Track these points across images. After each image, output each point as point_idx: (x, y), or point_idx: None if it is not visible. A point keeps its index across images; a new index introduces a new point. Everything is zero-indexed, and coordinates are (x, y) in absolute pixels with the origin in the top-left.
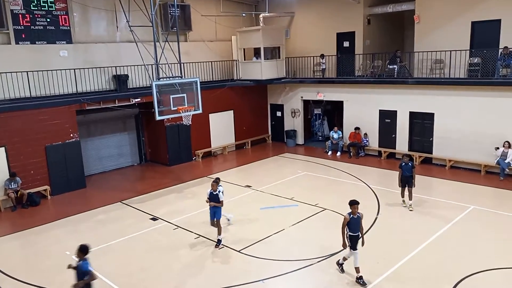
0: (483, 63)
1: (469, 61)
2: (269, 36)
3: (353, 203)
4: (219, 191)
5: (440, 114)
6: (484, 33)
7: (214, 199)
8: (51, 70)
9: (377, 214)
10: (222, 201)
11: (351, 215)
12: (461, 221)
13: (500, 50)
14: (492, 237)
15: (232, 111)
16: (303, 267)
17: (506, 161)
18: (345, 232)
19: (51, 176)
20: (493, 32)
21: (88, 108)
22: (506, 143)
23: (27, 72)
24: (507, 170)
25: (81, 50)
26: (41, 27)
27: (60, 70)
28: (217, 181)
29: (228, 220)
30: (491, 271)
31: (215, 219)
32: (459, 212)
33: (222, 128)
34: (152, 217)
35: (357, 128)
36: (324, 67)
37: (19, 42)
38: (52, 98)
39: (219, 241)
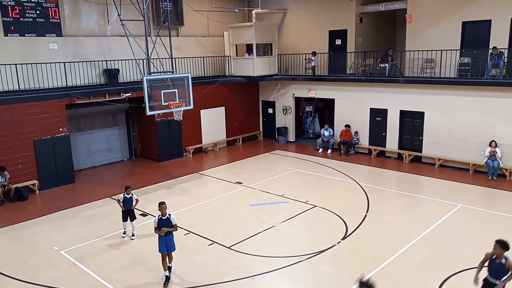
0: (473, 63)
1: (459, 61)
2: (261, 33)
3: (503, 246)
4: (169, 214)
5: (430, 113)
6: (474, 33)
7: (166, 225)
8: (41, 63)
9: (367, 212)
10: (176, 224)
11: (493, 257)
12: (449, 219)
13: (489, 51)
14: (479, 235)
15: (223, 107)
16: (293, 263)
17: (494, 159)
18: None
19: (39, 170)
20: (483, 32)
21: (78, 102)
22: (493, 142)
23: (15, 64)
24: (495, 167)
25: (71, 43)
26: (31, 19)
27: (50, 63)
28: (130, 195)
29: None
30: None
31: (166, 252)
32: (448, 210)
33: (213, 124)
34: (142, 212)
35: (347, 126)
36: (314, 64)
37: (8, 34)
38: (42, 91)
39: (167, 279)
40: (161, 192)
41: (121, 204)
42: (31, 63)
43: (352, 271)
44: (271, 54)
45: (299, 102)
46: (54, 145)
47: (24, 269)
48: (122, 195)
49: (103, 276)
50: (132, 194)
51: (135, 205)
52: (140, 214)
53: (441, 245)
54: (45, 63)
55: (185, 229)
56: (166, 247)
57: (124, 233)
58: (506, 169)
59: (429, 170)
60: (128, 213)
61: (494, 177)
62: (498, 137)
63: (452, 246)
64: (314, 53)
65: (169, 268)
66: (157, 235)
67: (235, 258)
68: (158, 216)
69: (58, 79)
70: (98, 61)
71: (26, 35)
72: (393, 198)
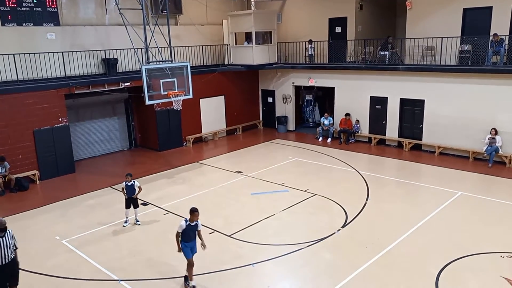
0: (473, 51)
1: (460, 48)
2: (260, 21)
3: None
4: (196, 223)
5: (430, 101)
6: (475, 20)
7: (193, 231)
8: (39, 53)
9: (367, 200)
10: (200, 230)
11: None
12: (449, 206)
13: (490, 38)
14: (479, 222)
15: (223, 96)
16: (293, 251)
17: (495, 145)
18: None
19: (39, 160)
20: (484, 19)
21: (77, 92)
22: (493, 130)
23: (13, 54)
24: (493, 154)
25: (69, 32)
26: (28, 9)
27: (48, 53)
28: (131, 182)
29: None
30: (477, 256)
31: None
32: (447, 198)
33: (213, 113)
34: (143, 202)
35: (347, 114)
36: (311, 52)
37: (5, 24)
38: (40, 81)
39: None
40: (161, 182)
41: (125, 192)
42: (29, 53)
43: (352, 259)
44: (271, 42)
45: (299, 90)
46: (53, 135)
47: (26, 259)
48: (124, 183)
49: (104, 265)
50: (134, 182)
51: (138, 193)
52: (141, 204)
53: (441, 232)
54: (43, 53)
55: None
56: (191, 251)
57: (126, 222)
58: (506, 157)
59: (429, 158)
60: (131, 201)
61: (489, 164)
62: (498, 125)
63: (451, 233)
64: (310, 41)
65: (186, 278)
66: (175, 235)
67: (236, 247)
68: (186, 222)
69: (56, 69)
70: (96, 50)
71: (23, 24)
72: (393, 186)
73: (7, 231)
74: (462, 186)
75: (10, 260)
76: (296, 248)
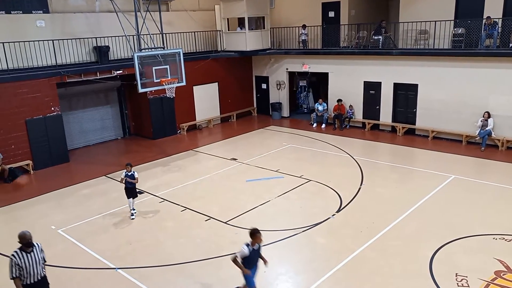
0: (467, 34)
1: (453, 32)
2: (253, 6)
3: None
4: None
5: (423, 85)
6: (468, 3)
7: (258, 256)
8: (28, 41)
9: (361, 184)
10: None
11: None
12: (442, 190)
13: (483, 21)
14: (471, 205)
15: (216, 83)
16: (289, 236)
17: (487, 129)
18: None
19: (32, 150)
20: (477, 2)
21: (68, 81)
22: (486, 113)
23: (3, 43)
24: (486, 137)
25: (59, 20)
26: None
27: (38, 41)
28: (131, 172)
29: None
30: (470, 238)
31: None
32: (441, 181)
33: (206, 100)
34: (138, 190)
35: (339, 100)
36: (304, 38)
37: None
38: (31, 70)
39: None
40: (156, 170)
41: (124, 182)
42: (19, 41)
43: (347, 243)
44: (264, 28)
45: (293, 76)
46: (46, 125)
47: None
48: (124, 172)
49: (101, 254)
50: (134, 172)
51: (135, 182)
52: (136, 192)
53: (434, 215)
54: (33, 41)
55: (181, 206)
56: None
57: (133, 214)
58: (499, 140)
59: (422, 142)
60: (132, 190)
61: (482, 148)
62: (491, 108)
63: (445, 216)
64: (304, 26)
65: None
66: (232, 260)
67: (232, 233)
68: (248, 246)
69: (47, 57)
70: (87, 38)
71: (12, 12)
72: (387, 170)
73: (35, 244)
74: (455, 170)
75: (41, 277)
76: (291, 233)
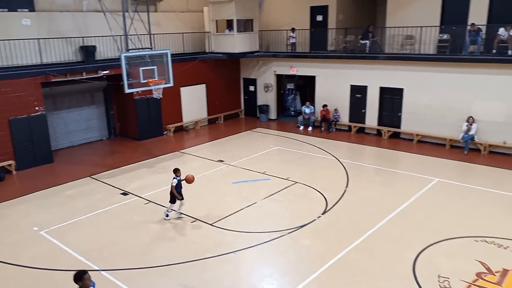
0: (452, 40)
1: (438, 37)
2: (242, 8)
3: None
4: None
5: (409, 89)
6: (454, 10)
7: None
8: (13, 40)
9: (346, 187)
10: None
11: None
12: (426, 193)
13: (468, 27)
14: (454, 208)
15: (204, 84)
16: (274, 238)
17: (470, 133)
18: None
19: (15, 150)
20: (462, 8)
21: (54, 80)
22: (471, 118)
23: None
24: (469, 141)
25: (45, 18)
26: None
27: (23, 39)
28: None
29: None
30: (452, 240)
31: None
32: (424, 184)
33: (194, 102)
34: (123, 191)
35: (325, 105)
36: (293, 41)
37: None
38: (15, 69)
39: None
40: (141, 171)
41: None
42: (4, 40)
43: (332, 244)
44: (252, 30)
45: (281, 79)
46: (30, 125)
47: (4, 250)
48: (175, 179)
49: (84, 255)
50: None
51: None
52: (120, 193)
53: (418, 218)
54: (19, 39)
55: (167, 208)
56: None
57: (180, 216)
58: (481, 144)
59: (407, 146)
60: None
61: (465, 151)
62: (475, 113)
63: (428, 219)
64: (293, 30)
65: None
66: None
67: (218, 235)
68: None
69: (32, 56)
70: (74, 37)
71: None
72: (372, 173)
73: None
74: (439, 173)
75: None
76: (277, 235)
